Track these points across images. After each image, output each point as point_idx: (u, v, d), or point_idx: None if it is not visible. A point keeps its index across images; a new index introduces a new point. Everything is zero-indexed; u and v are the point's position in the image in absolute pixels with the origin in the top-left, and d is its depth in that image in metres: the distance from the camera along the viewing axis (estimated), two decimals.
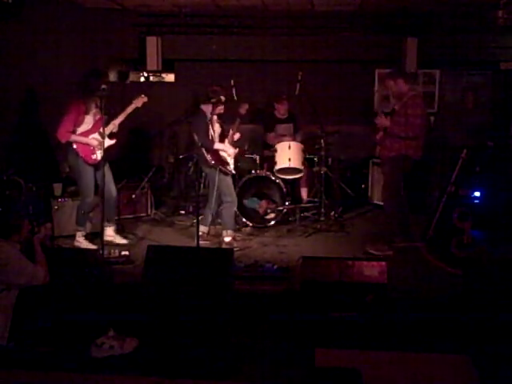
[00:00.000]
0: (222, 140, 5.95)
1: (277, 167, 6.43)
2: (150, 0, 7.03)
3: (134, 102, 5.58)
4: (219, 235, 5.84)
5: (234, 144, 6.05)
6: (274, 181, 6.44)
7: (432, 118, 7.75)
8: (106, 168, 5.55)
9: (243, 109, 6.01)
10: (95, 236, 5.71)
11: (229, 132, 6.04)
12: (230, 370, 3.52)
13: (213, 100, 5.59)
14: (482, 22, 7.03)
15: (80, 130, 5.38)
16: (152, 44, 7.57)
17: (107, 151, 5.40)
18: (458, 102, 7.98)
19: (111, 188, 5.62)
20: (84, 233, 5.59)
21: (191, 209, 6.87)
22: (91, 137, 5.41)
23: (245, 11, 7.43)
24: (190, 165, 6.93)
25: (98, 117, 5.45)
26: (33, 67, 6.64)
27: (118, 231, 5.91)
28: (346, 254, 5.39)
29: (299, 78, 6.58)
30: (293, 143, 6.47)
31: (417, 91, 5.66)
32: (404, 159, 5.41)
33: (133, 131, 7.58)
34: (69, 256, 4.73)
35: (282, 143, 6.48)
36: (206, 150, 5.59)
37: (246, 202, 6.45)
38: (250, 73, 8.01)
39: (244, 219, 6.37)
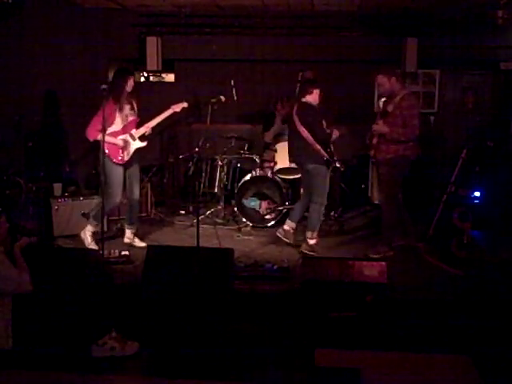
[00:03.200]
0: None
1: (277, 167, 6.42)
2: (150, 0, 7.04)
3: (173, 107, 5.47)
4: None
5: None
6: (274, 181, 6.44)
7: (432, 118, 7.74)
8: (135, 170, 5.52)
9: None
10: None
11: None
12: (229, 370, 3.52)
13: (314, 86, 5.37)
14: (482, 22, 7.02)
15: (110, 129, 5.29)
16: (152, 44, 7.56)
17: (137, 153, 5.41)
18: (457, 102, 7.97)
19: (134, 191, 5.55)
20: (94, 230, 5.45)
21: (191, 209, 6.87)
22: (120, 138, 5.33)
23: (245, 11, 7.43)
24: (190, 165, 6.92)
25: (132, 118, 5.40)
26: (33, 67, 6.64)
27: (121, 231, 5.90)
28: (346, 254, 5.39)
29: (299, 78, 6.58)
30: None
31: (408, 90, 5.52)
32: (402, 160, 5.27)
33: None
34: (69, 256, 4.74)
35: (282, 143, 6.46)
36: (320, 144, 5.29)
37: (245, 201, 6.45)
38: (250, 73, 8.01)
39: (244, 219, 6.38)
